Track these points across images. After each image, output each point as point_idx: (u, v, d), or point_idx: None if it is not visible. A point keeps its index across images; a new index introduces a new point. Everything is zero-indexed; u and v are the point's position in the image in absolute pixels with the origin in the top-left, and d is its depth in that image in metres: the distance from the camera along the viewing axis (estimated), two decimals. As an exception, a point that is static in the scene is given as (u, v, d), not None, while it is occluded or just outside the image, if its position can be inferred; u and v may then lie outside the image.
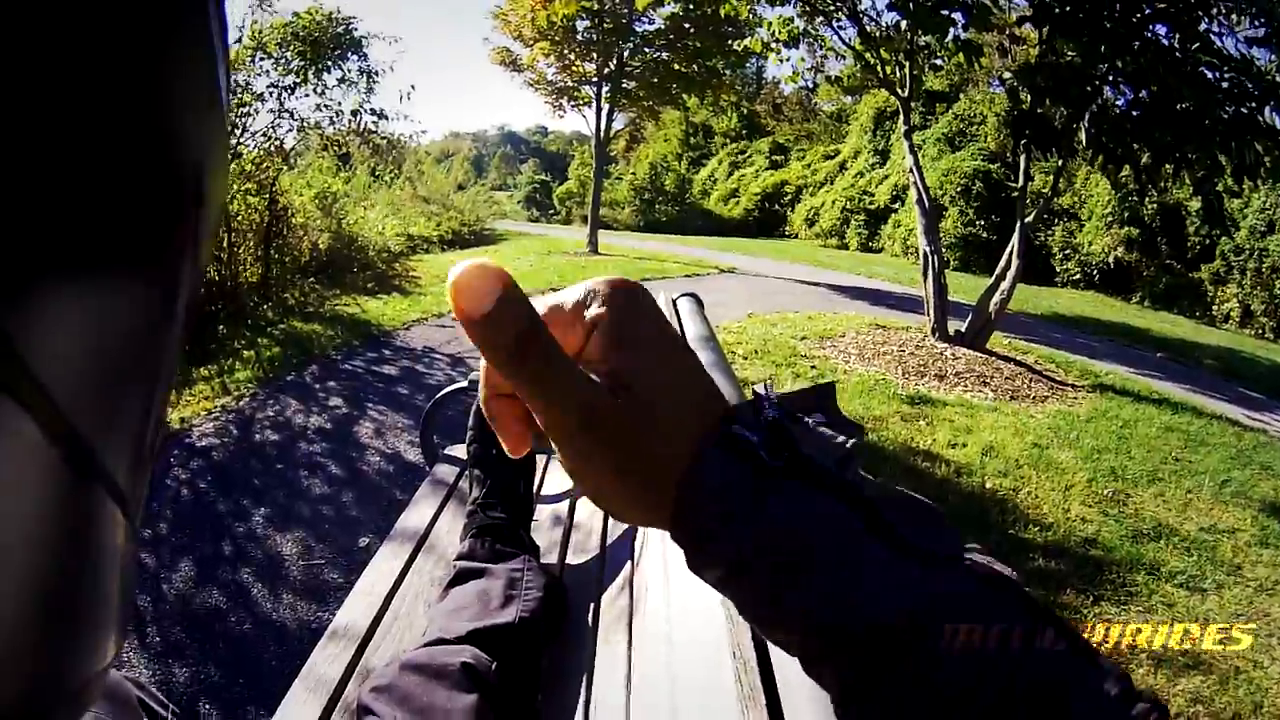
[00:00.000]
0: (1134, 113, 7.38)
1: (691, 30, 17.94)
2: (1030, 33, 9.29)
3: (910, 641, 0.41)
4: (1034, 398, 7.72)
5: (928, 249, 9.02)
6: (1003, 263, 8.77)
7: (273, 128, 9.86)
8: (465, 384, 2.90)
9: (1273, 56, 6.70)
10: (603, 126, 20.15)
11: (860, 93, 27.58)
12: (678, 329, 2.15)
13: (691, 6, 16.37)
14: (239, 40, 9.33)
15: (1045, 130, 8.16)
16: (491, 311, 0.42)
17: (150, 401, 0.26)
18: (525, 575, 1.85)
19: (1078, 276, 21.44)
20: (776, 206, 33.74)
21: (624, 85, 19.59)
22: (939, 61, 9.91)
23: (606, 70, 19.21)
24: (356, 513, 4.17)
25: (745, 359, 7.85)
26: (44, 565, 0.21)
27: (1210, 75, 6.88)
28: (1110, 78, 7.51)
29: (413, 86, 11.60)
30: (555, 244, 21.20)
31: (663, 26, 18.47)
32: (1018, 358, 9.29)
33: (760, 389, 0.50)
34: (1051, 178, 9.13)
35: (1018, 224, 8.64)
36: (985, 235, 22.20)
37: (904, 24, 8.56)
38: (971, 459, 5.66)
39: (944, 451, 5.76)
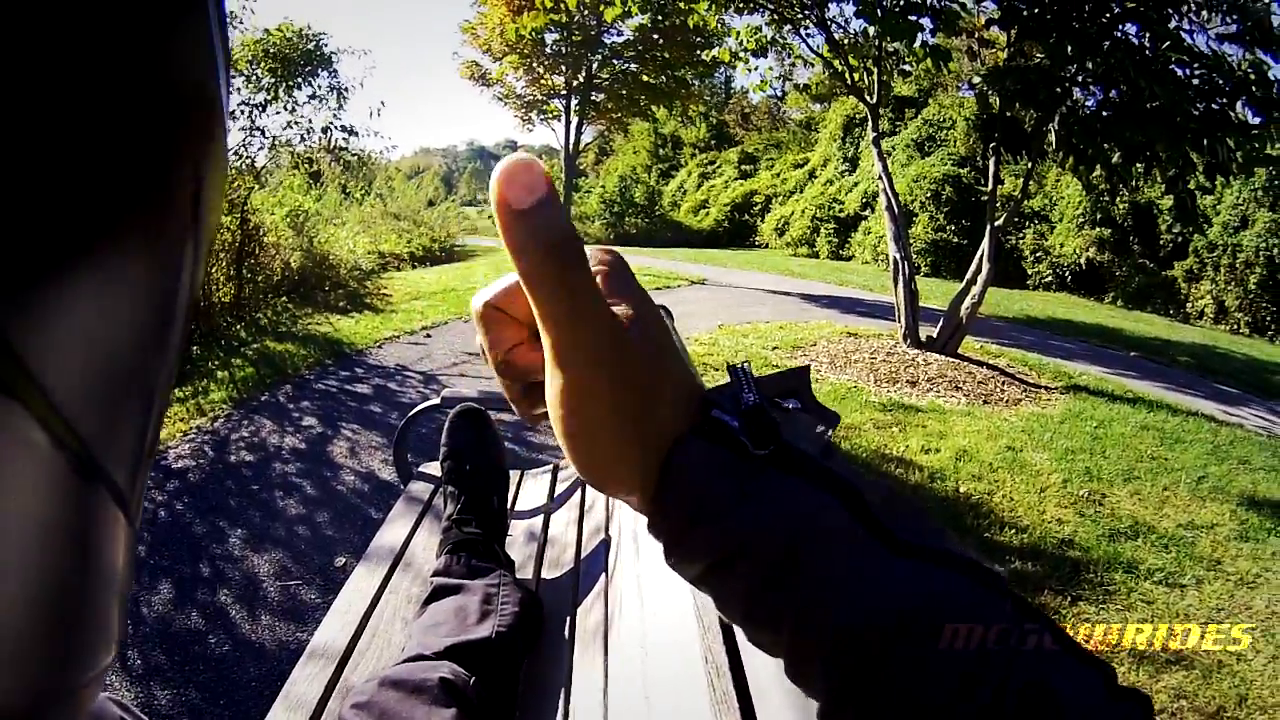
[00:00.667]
0: (1104, 113, 7.42)
1: (660, 41, 18.02)
2: (999, 36, 9.34)
3: (904, 639, 0.41)
4: (1007, 401, 7.73)
5: (898, 255, 9.03)
6: (973, 267, 8.79)
7: (244, 146, 9.85)
8: (438, 401, 2.91)
9: (1246, 54, 6.74)
10: (572, 140, 20.20)
11: (829, 100, 27.70)
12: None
13: (660, 18, 16.39)
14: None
15: (1015, 133, 8.20)
16: (538, 205, 0.40)
17: (150, 403, 0.26)
18: (501, 590, 1.86)
19: (1050, 279, 21.47)
20: (746, 216, 33.66)
21: (593, 97, 19.63)
22: (907, 67, 9.92)
23: (575, 83, 19.27)
24: (332, 532, 4.16)
25: (717, 370, 7.84)
26: (51, 568, 0.21)
27: (1181, 73, 6.90)
28: (1079, 79, 7.55)
29: (382, 103, 11.59)
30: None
31: (631, 38, 18.53)
32: (990, 361, 9.31)
33: (737, 371, 0.49)
34: (1021, 180, 9.17)
35: (988, 228, 8.66)
36: (956, 240, 22.22)
37: (872, 31, 8.58)
38: (945, 464, 5.67)
39: (917, 457, 5.77)
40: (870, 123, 9.61)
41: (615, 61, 19.13)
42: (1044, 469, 5.78)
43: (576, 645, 1.83)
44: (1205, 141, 6.73)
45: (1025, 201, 12.65)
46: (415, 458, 3.17)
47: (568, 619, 1.97)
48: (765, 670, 1.12)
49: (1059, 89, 7.45)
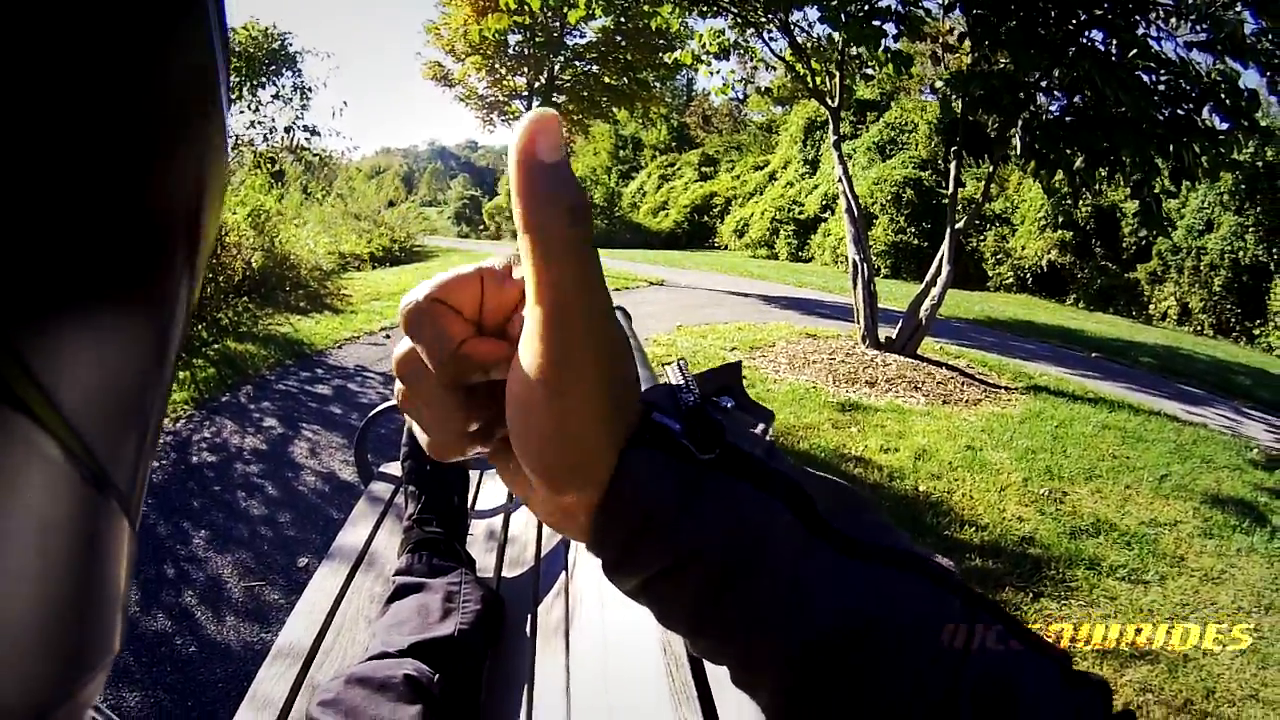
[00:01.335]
0: (1068, 119, 7.48)
1: (622, 43, 17.98)
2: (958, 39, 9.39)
3: (856, 642, 0.40)
4: (967, 401, 7.79)
5: (857, 257, 9.05)
6: (933, 269, 8.81)
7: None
8: (396, 402, 2.92)
9: (1216, 62, 6.79)
10: (533, 141, 20.14)
11: (790, 103, 27.79)
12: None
13: (623, 20, 16.37)
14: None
15: (977, 137, 8.25)
16: (564, 160, 0.39)
17: (151, 411, 0.26)
18: (463, 588, 1.88)
19: (1011, 280, 21.62)
20: (706, 218, 33.64)
21: (554, 99, 19.56)
22: (870, 71, 9.94)
23: (537, 84, 19.20)
24: (294, 533, 4.15)
25: (675, 371, 7.87)
26: (63, 574, 0.22)
27: (1147, 79, 6.95)
28: (1044, 84, 7.59)
29: (344, 102, 11.55)
30: (485, 259, 20.78)
31: (594, 40, 18.50)
32: (950, 362, 9.38)
33: (674, 371, 0.48)
34: (983, 183, 9.21)
35: (948, 230, 8.68)
36: (916, 242, 22.32)
37: (836, 36, 8.59)
38: (904, 463, 5.70)
39: (876, 456, 5.80)
40: (832, 126, 9.61)
41: (577, 63, 19.09)
42: (1004, 468, 5.83)
43: (538, 641, 1.85)
44: (1171, 147, 6.79)
45: (987, 204, 12.68)
46: (376, 458, 3.18)
47: (529, 616, 2.00)
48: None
49: (1023, 94, 7.50)
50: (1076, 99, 7.46)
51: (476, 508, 2.79)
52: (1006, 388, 8.55)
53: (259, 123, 10.22)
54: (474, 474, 2.91)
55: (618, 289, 14.46)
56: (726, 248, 30.53)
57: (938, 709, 0.39)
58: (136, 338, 0.23)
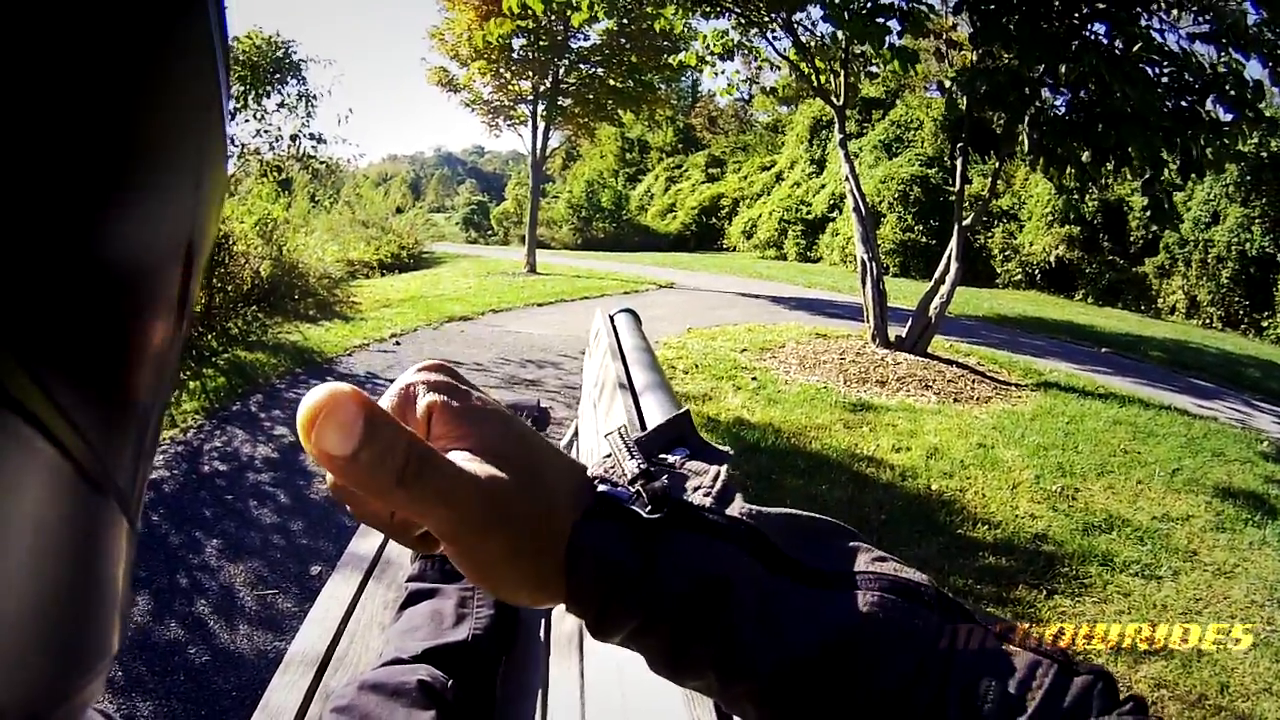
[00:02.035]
0: (1073, 115, 7.47)
1: (627, 46, 17.95)
2: (967, 36, 9.36)
3: (825, 670, 0.42)
4: (977, 399, 7.78)
5: (866, 256, 9.05)
6: (942, 266, 8.83)
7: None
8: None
9: (1220, 54, 6.76)
10: (539, 145, 20.11)
11: (795, 103, 27.71)
12: (615, 345, 2.18)
13: (627, 22, 16.35)
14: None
15: (983, 134, 8.24)
16: (362, 443, 0.38)
17: (151, 410, 0.26)
18: (476, 594, 1.87)
19: (1019, 277, 21.61)
20: (714, 220, 33.72)
21: (560, 102, 19.56)
22: (875, 69, 9.93)
23: (542, 88, 19.18)
24: (306, 540, 4.15)
25: (686, 374, 7.86)
26: (63, 574, 0.22)
27: (1151, 71, 6.94)
28: (1049, 80, 7.59)
29: (350, 110, 11.55)
30: (493, 265, 21.07)
31: (598, 42, 18.48)
32: (960, 360, 9.37)
33: (614, 439, 0.50)
34: (989, 180, 9.19)
35: (956, 227, 8.69)
36: (924, 240, 22.31)
37: (839, 34, 8.58)
38: (916, 462, 5.69)
39: (888, 456, 5.79)
40: (837, 124, 9.63)
41: (582, 66, 19.06)
42: (1016, 465, 5.81)
43: (552, 647, 1.84)
44: (1178, 140, 6.78)
45: (994, 201, 12.67)
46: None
47: (543, 622, 1.98)
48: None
49: (1028, 90, 7.48)
50: (1082, 94, 7.44)
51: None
52: (1017, 385, 8.55)
53: (265, 131, 10.23)
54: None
55: (627, 292, 14.51)
56: (735, 249, 30.56)
57: (926, 713, 0.40)
58: (136, 336, 0.23)
